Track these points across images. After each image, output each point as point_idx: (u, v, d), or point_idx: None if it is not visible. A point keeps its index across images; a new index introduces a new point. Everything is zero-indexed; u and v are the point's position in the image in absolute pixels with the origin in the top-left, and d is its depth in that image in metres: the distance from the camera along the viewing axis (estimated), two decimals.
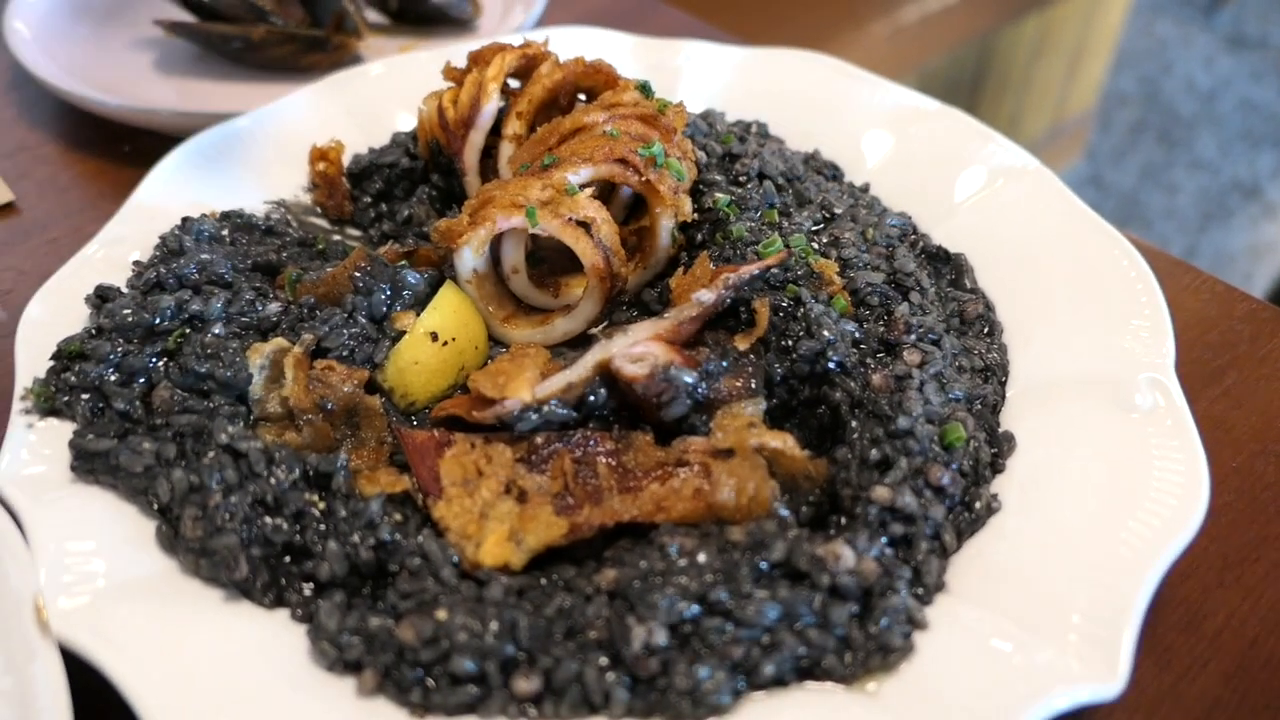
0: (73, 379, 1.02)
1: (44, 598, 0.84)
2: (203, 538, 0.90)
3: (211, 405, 1.02)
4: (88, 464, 0.97)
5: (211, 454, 0.94)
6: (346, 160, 1.40)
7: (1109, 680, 0.80)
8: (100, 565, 0.88)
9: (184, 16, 1.78)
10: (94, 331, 1.07)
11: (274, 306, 1.11)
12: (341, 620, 0.87)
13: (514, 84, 1.33)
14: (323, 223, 1.38)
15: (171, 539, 0.92)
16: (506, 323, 1.19)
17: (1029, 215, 1.25)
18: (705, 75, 1.55)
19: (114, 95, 1.59)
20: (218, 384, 1.03)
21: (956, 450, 0.98)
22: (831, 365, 1.04)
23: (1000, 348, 1.13)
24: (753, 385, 1.04)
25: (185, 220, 1.23)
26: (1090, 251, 1.18)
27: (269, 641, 0.86)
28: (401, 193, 1.38)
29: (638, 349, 1.01)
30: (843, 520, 0.95)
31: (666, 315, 1.07)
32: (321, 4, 1.75)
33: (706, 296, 1.06)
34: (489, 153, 1.31)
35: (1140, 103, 5.09)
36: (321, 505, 0.94)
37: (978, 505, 0.97)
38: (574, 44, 1.51)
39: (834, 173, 1.41)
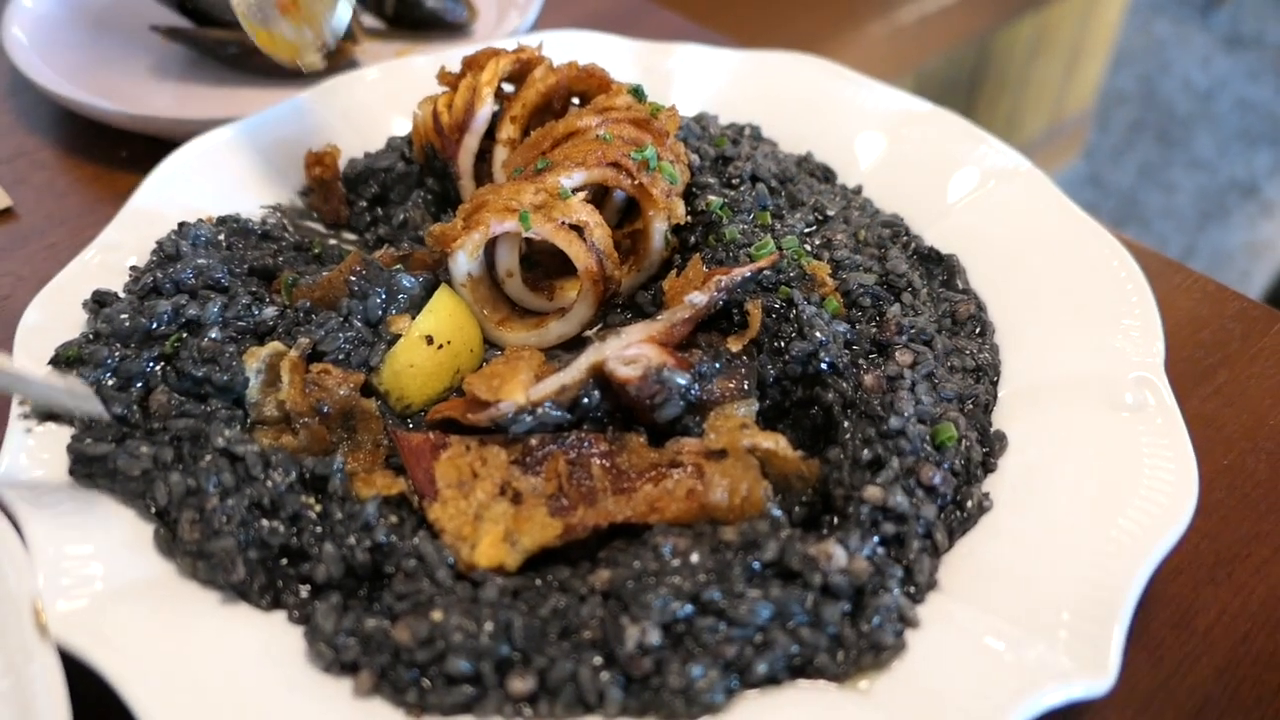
0: None
1: (42, 601, 0.84)
2: (200, 540, 0.90)
3: (208, 409, 1.03)
4: (86, 468, 0.97)
5: (208, 457, 0.95)
6: (342, 165, 1.40)
7: (1100, 676, 0.80)
8: (98, 568, 0.89)
9: (180, 22, 1.79)
10: (91, 336, 1.08)
11: (270, 310, 1.12)
12: (338, 621, 0.87)
13: (508, 88, 1.34)
14: (318, 227, 1.39)
15: (169, 542, 0.93)
16: (501, 326, 1.20)
17: (1021, 216, 1.26)
18: (698, 78, 1.56)
19: (111, 101, 1.60)
20: (214, 388, 1.04)
21: (948, 450, 0.99)
22: (824, 366, 1.05)
23: (992, 348, 1.14)
24: (745, 386, 1.05)
25: (182, 225, 1.24)
26: (1081, 252, 1.19)
27: (266, 643, 0.87)
28: (397, 197, 1.39)
29: (631, 351, 1.02)
30: (835, 520, 0.96)
31: (659, 317, 1.08)
32: None
33: (699, 299, 1.07)
34: (483, 157, 1.32)
35: (1138, 102, 5.10)
36: (318, 508, 0.95)
37: (969, 504, 0.97)
38: (568, 48, 1.52)
39: (827, 175, 1.41)
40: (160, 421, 1.01)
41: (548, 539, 0.93)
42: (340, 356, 1.09)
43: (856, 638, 0.86)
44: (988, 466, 1.02)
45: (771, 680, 0.85)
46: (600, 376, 1.03)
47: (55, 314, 1.12)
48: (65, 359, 1.05)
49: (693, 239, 1.22)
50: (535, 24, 1.88)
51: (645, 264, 1.22)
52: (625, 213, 1.30)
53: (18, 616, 0.82)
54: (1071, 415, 1.03)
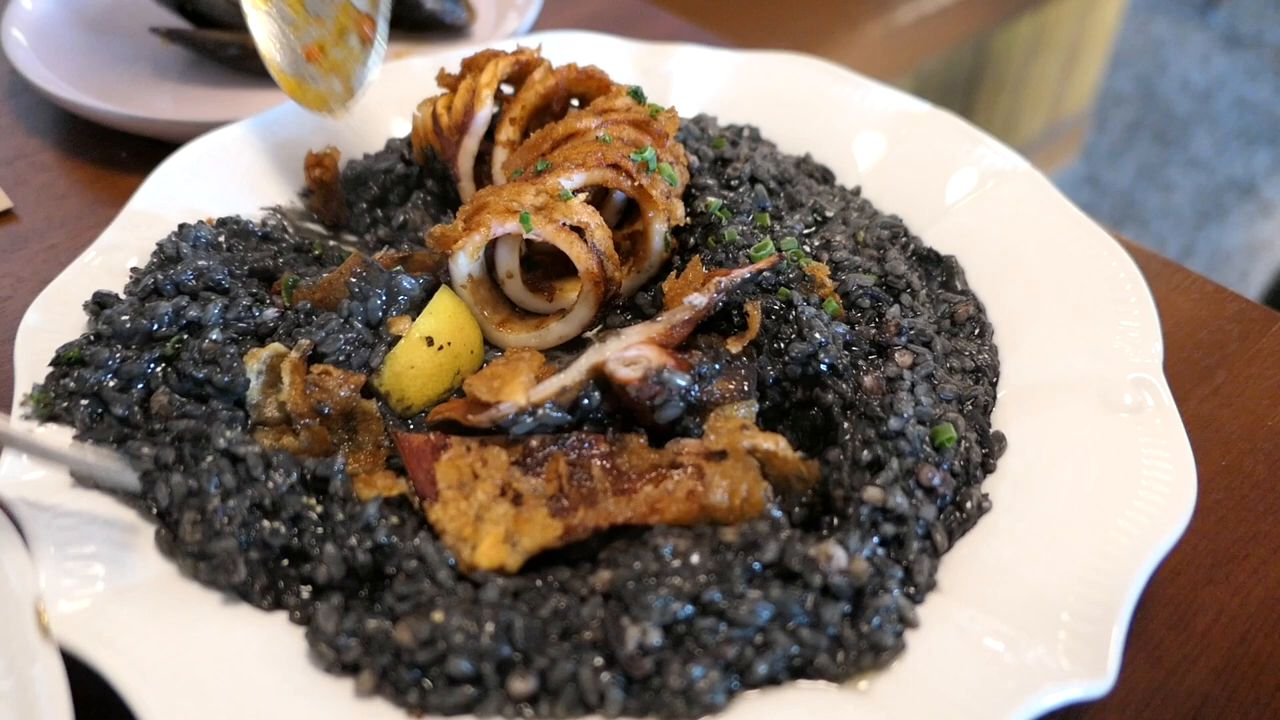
0: (71, 385, 1.03)
1: (44, 602, 0.85)
2: (202, 541, 0.91)
3: (209, 410, 1.03)
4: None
5: (210, 458, 0.95)
6: (342, 166, 1.41)
7: (1098, 677, 0.81)
8: (100, 569, 0.89)
9: (180, 24, 1.79)
10: (92, 338, 1.08)
11: (271, 312, 1.12)
12: (339, 622, 0.88)
13: (508, 90, 1.34)
14: (318, 228, 1.39)
15: (171, 543, 0.93)
16: (501, 327, 1.20)
17: (1019, 217, 1.27)
18: (697, 80, 1.56)
19: (111, 102, 1.60)
20: (215, 389, 1.04)
21: (947, 451, 0.99)
22: (823, 367, 1.05)
23: (991, 349, 1.14)
24: (745, 388, 1.05)
25: (182, 227, 1.24)
26: (1080, 253, 1.19)
27: (268, 644, 0.87)
28: (396, 198, 1.39)
29: (631, 352, 1.02)
30: (835, 521, 0.96)
31: (659, 319, 1.08)
32: None
33: (699, 300, 1.07)
34: (483, 158, 1.32)
35: (1136, 102, 5.11)
36: (319, 509, 0.95)
37: (969, 505, 0.98)
38: (567, 50, 1.52)
39: (825, 176, 1.42)
40: (161, 423, 1.02)
41: (548, 540, 0.93)
42: (341, 358, 1.09)
43: (856, 638, 0.86)
44: (987, 467, 1.02)
45: (772, 681, 0.85)
46: (600, 378, 1.03)
47: (56, 315, 1.12)
48: (66, 360, 1.05)
49: (692, 240, 1.23)
50: (534, 26, 1.88)
51: (645, 265, 1.23)
52: (625, 214, 1.31)
53: (20, 618, 0.83)
54: (1070, 416, 1.03)
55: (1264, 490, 1.09)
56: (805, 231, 1.25)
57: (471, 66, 1.32)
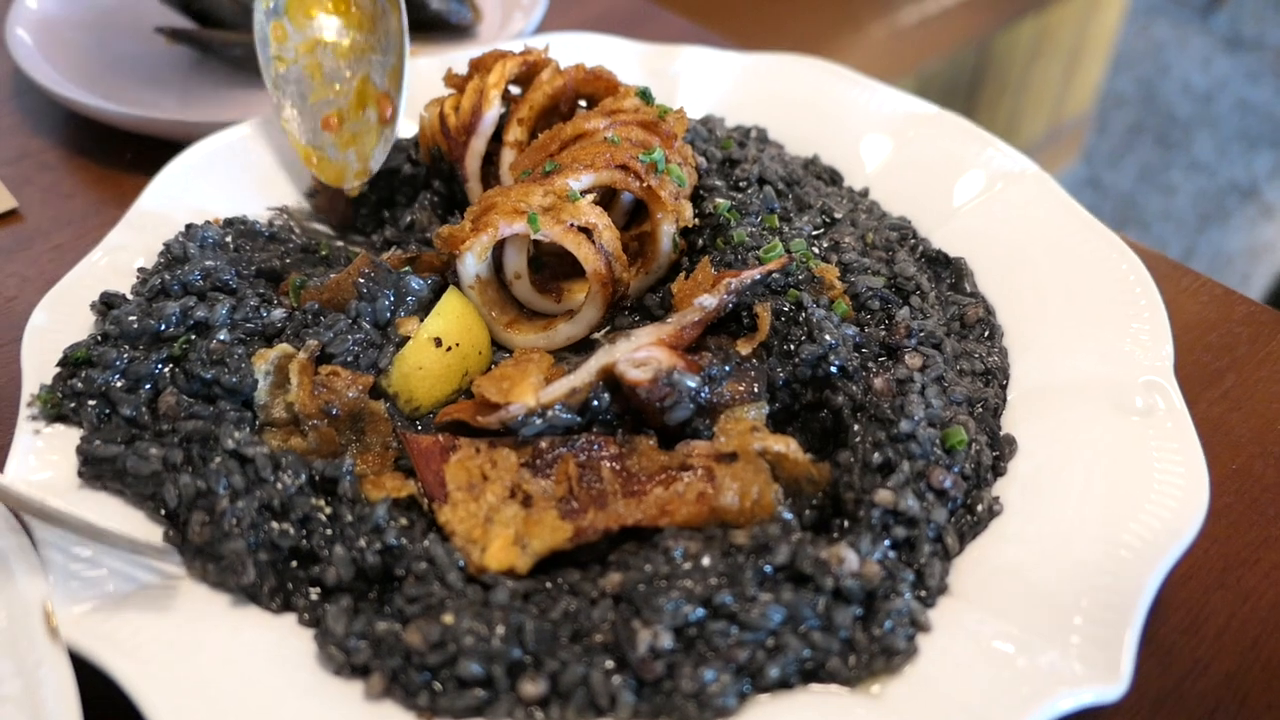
0: (79, 385, 1.02)
1: (52, 603, 0.84)
2: (210, 542, 0.90)
3: (217, 411, 1.02)
4: (95, 470, 0.97)
5: (218, 459, 0.94)
6: None
7: (1112, 682, 0.80)
8: (108, 571, 0.89)
9: (185, 23, 1.79)
10: (100, 338, 1.08)
11: (278, 312, 1.12)
12: (349, 624, 0.87)
13: (515, 90, 1.34)
14: (325, 229, 1.38)
15: (179, 544, 0.92)
16: (509, 328, 1.20)
17: (1028, 219, 1.26)
18: (704, 81, 1.56)
19: (116, 102, 1.60)
20: (223, 390, 1.04)
21: (958, 453, 0.99)
22: (833, 369, 1.05)
23: (1001, 351, 1.14)
24: (755, 389, 1.05)
25: (189, 227, 1.23)
26: (1089, 255, 1.19)
27: (277, 646, 0.87)
28: (404, 199, 1.39)
29: (641, 354, 1.02)
30: (846, 523, 0.95)
31: (669, 320, 1.08)
32: None
33: (708, 301, 1.07)
34: (490, 159, 1.32)
35: (1137, 104, 5.11)
36: (328, 510, 0.95)
37: (980, 508, 0.97)
38: (574, 50, 1.51)
39: (833, 177, 1.41)
40: (169, 423, 1.01)
41: (558, 542, 0.93)
42: (349, 359, 1.09)
43: (868, 642, 0.86)
44: (998, 470, 1.02)
45: (783, 684, 0.85)
46: (610, 379, 1.03)
47: (63, 316, 1.12)
48: (73, 360, 1.05)
49: (701, 241, 1.22)
50: (539, 27, 1.88)
51: (654, 266, 1.22)
52: (633, 215, 1.30)
53: (28, 620, 0.82)
54: (1081, 419, 1.03)
55: (1275, 494, 1.09)
56: (814, 233, 1.25)
57: (479, 67, 1.31)
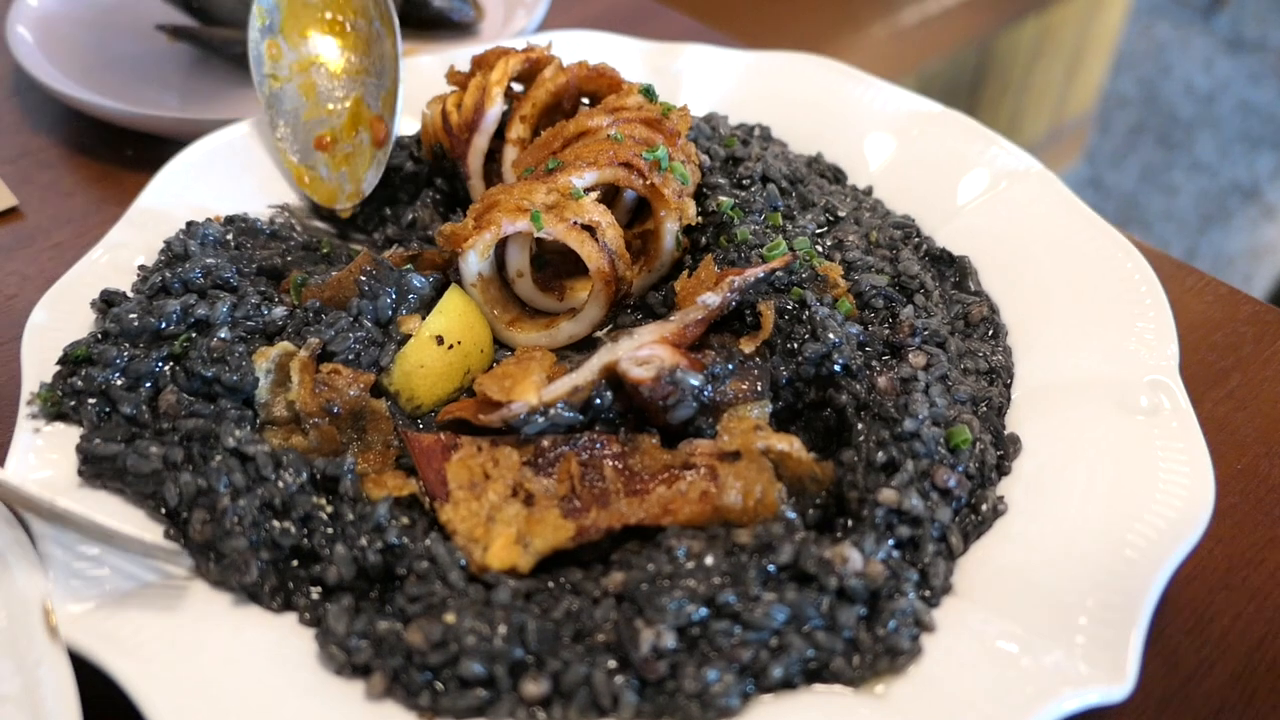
0: (79, 383, 1.02)
1: (52, 602, 0.84)
2: (212, 541, 0.90)
3: (218, 409, 1.02)
4: (95, 468, 0.97)
5: (219, 457, 0.94)
6: None
7: (1117, 682, 0.80)
8: (108, 570, 0.88)
9: (186, 21, 1.78)
10: (100, 336, 1.07)
11: (279, 310, 1.11)
12: (350, 624, 0.87)
13: (517, 88, 1.34)
14: (327, 227, 1.38)
15: (180, 542, 0.92)
16: (512, 326, 1.19)
17: (1032, 218, 1.26)
18: (708, 79, 1.56)
19: (117, 100, 1.59)
20: (224, 388, 1.03)
21: (962, 452, 0.98)
22: (837, 368, 1.04)
23: (1005, 350, 1.14)
24: (758, 388, 1.04)
25: (190, 225, 1.23)
26: (1094, 254, 1.18)
27: (277, 645, 0.86)
28: (406, 197, 1.39)
29: (643, 352, 1.01)
30: (849, 523, 0.95)
31: (672, 318, 1.07)
32: None
33: (712, 299, 1.06)
34: (493, 157, 1.31)
35: (1139, 105, 5.10)
36: (329, 509, 0.94)
37: (984, 507, 0.97)
38: (577, 48, 1.51)
39: (837, 176, 1.41)
40: (170, 421, 1.01)
41: (560, 541, 0.92)
42: (350, 357, 1.09)
43: (872, 641, 0.85)
44: (1002, 469, 1.01)
45: (787, 684, 0.84)
46: (612, 377, 1.02)
47: (63, 313, 1.11)
48: (73, 359, 1.04)
49: (704, 240, 1.22)
50: (541, 24, 1.88)
51: (656, 264, 1.22)
52: (636, 213, 1.30)
53: (28, 619, 0.82)
54: (1085, 418, 1.02)
55: None
56: (818, 231, 1.25)
57: (481, 64, 1.31)
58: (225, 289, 1.13)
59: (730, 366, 1.05)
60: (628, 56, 1.57)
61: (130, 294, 1.14)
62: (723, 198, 1.22)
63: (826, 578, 0.87)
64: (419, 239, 1.32)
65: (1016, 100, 3.95)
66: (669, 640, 0.83)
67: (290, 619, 0.89)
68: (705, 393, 1.02)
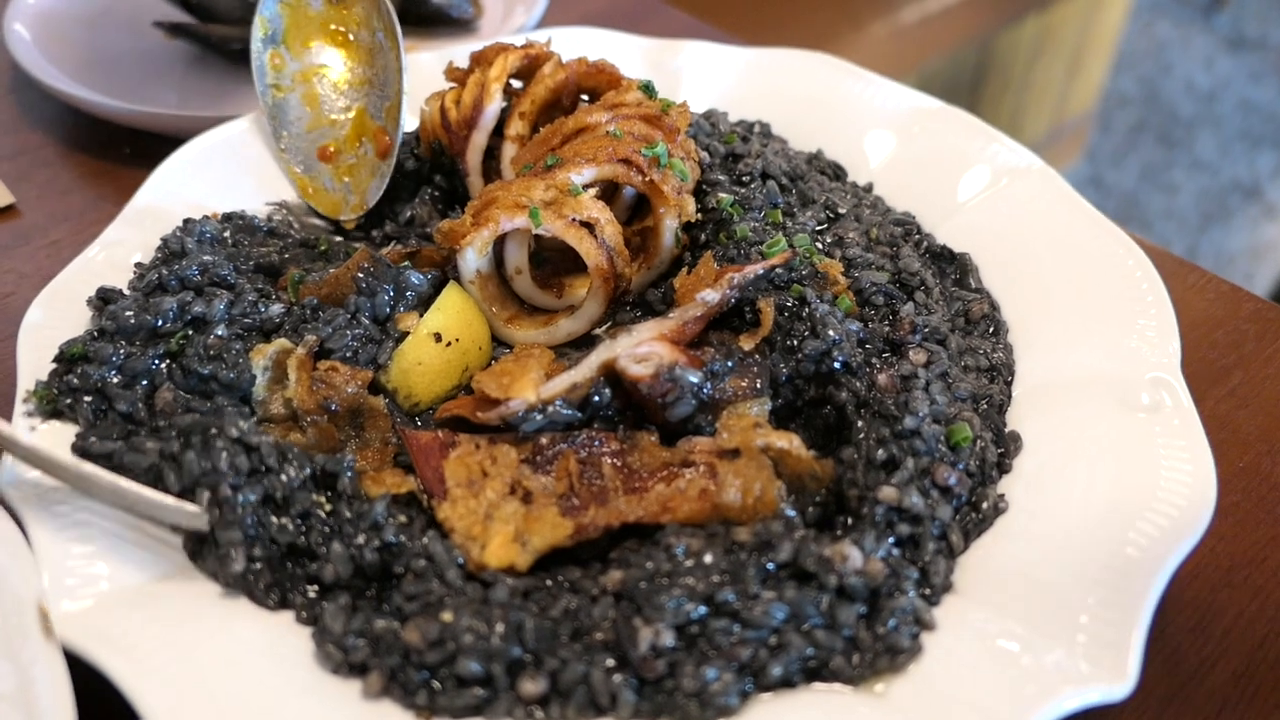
0: (75, 381, 1.01)
1: (47, 601, 0.83)
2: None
3: (215, 406, 1.01)
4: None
5: (221, 443, 0.92)
6: None
7: (1119, 681, 0.79)
8: (103, 568, 0.88)
9: (183, 18, 1.78)
10: (96, 334, 1.07)
11: (277, 308, 1.11)
12: (347, 622, 0.86)
13: (516, 84, 1.33)
14: (324, 224, 1.37)
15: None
16: (510, 323, 1.19)
17: (1033, 215, 1.25)
18: (707, 76, 1.55)
19: (114, 97, 1.59)
20: (221, 385, 1.03)
21: (963, 450, 0.98)
22: (837, 365, 1.04)
23: (1006, 347, 1.13)
24: (758, 385, 1.04)
25: (187, 222, 1.23)
26: (1095, 251, 1.18)
27: (274, 644, 0.86)
28: (404, 193, 1.38)
29: (642, 349, 1.01)
30: (849, 521, 0.95)
31: (671, 315, 1.07)
32: None
33: (711, 296, 1.06)
34: (491, 153, 1.31)
35: (1140, 104, 5.10)
36: (327, 507, 0.93)
37: (985, 505, 0.96)
38: (576, 45, 1.50)
39: (837, 172, 1.40)
40: (166, 419, 1.00)
41: (559, 539, 0.92)
42: (348, 354, 1.08)
43: (872, 640, 0.85)
44: (1003, 467, 1.01)
45: (786, 683, 0.84)
46: (611, 375, 1.02)
47: (59, 311, 1.11)
48: (69, 357, 1.04)
49: (703, 236, 1.21)
50: (541, 21, 1.87)
51: (656, 261, 1.21)
52: (635, 210, 1.29)
53: (22, 617, 0.81)
54: (1087, 416, 1.02)
55: None
56: (818, 228, 1.24)
57: (480, 60, 1.31)
58: (222, 286, 1.13)
59: (730, 364, 1.04)
60: (627, 53, 1.56)
61: (127, 291, 1.14)
62: (722, 194, 1.22)
63: (826, 576, 0.86)
64: (417, 236, 1.31)
65: (1017, 99, 3.95)
66: (667, 639, 0.82)
67: (286, 617, 0.89)
68: (704, 390, 1.01)
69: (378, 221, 1.37)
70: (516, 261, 1.18)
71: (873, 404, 1.00)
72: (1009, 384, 1.10)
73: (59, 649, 0.80)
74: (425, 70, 1.49)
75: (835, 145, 1.43)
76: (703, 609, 0.85)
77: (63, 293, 1.13)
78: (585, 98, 1.33)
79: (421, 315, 1.12)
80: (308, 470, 0.93)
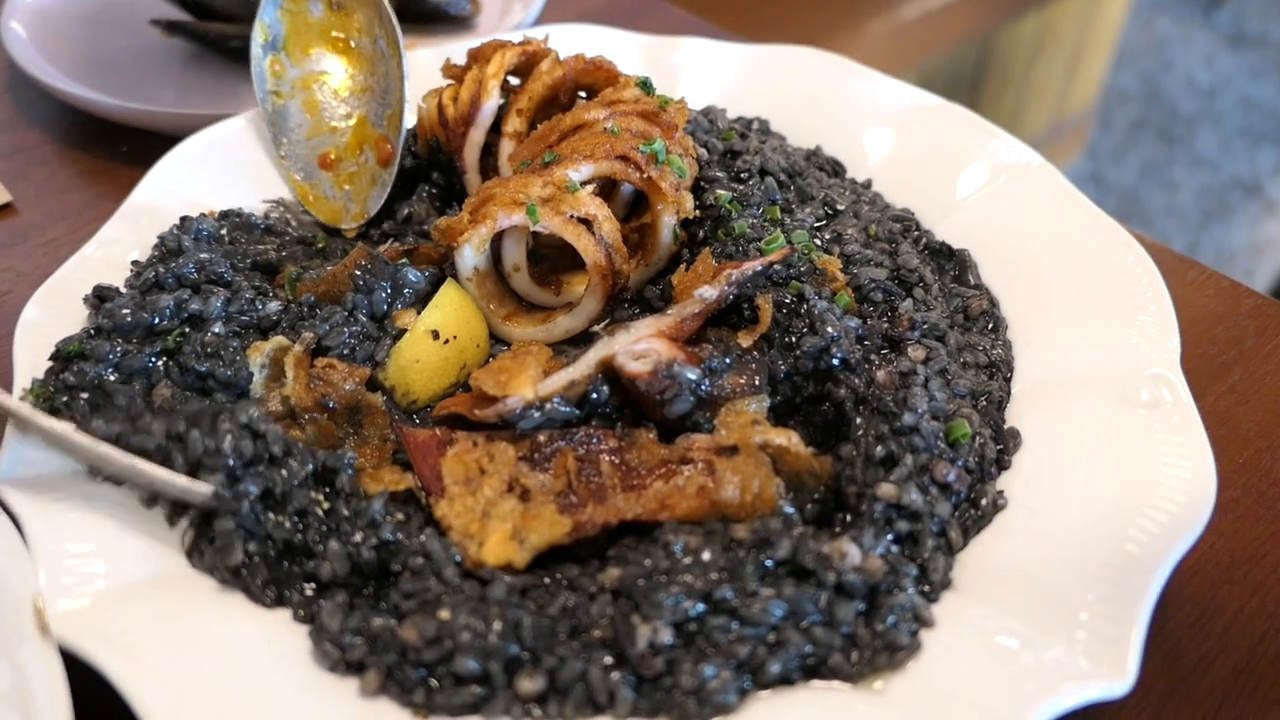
0: (71, 379, 1.01)
1: (44, 599, 0.83)
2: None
3: (213, 403, 1.01)
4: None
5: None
6: None
7: (1118, 678, 0.79)
8: (100, 567, 0.88)
9: (181, 16, 1.77)
10: (93, 332, 1.07)
11: (274, 305, 1.10)
12: (344, 620, 0.86)
13: (514, 81, 1.33)
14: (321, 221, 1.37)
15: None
16: (508, 320, 1.19)
17: (1033, 211, 1.25)
18: (706, 72, 1.55)
19: (112, 96, 1.59)
20: (218, 383, 1.03)
21: (962, 447, 0.97)
22: (835, 362, 1.03)
23: (1005, 344, 1.13)
24: (756, 382, 1.03)
25: (184, 219, 1.22)
26: (1095, 247, 1.17)
27: (271, 642, 0.85)
28: (401, 191, 1.38)
29: (640, 346, 1.01)
30: (848, 517, 0.94)
31: (669, 312, 1.06)
32: None
33: (709, 293, 1.06)
34: (489, 150, 1.30)
35: (1140, 100, 5.09)
36: (324, 504, 0.93)
37: (984, 502, 0.96)
38: (574, 41, 1.50)
39: (836, 169, 1.40)
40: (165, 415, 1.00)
41: (556, 536, 0.92)
42: (345, 351, 1.08)
43: (871, 637, 0.85)
44: (1002, 464, 1.00)
45: (785, 680, 0.83)
46: (609, 372, 1.01)
47: (56, 310, 1.11)
48: (66, 355, 1.04)
49: (702, 233, 1.21)
50: (539, 18, 1.87)
51: (654, 258, 1.21)
52: (633, 206, 1.29)
53: (19, 616, 0.81)
54: (1086, 412, 1.01)
55: None
56: (816, 225, 1.24)
57: (478, 57, 1.30)
58: (219, 284, 1.13)
59: (728, 360, 1.04)
60: (625, 50, 1.56)
61: (123, 289, 1.13)
62: (720, 191, 1.22)
63: (825, 573, 0.86)
64: (414, 233, 1.31)
65: (1017, 96, 3.94)
66: (666, 636, 0.82)
67: (284, 615, 0.88)
68: (703, 387, 1.01)
69: (375, 219, 1.36)
70: (514, 258, 1.18)
71: (871, 400, 1.00)
72: (1008, 380, 1.09)
73: (55, 648, 0.79)
74: (423, 67, 1.49)
75: (834, 142, 1.43)
76: (701, 606, 0.84)
77: (59, 291, 1.13)
78: (583, 94, 1.33)
79: (419, 312, 1.12)
80: (310, 465, 0.93)
